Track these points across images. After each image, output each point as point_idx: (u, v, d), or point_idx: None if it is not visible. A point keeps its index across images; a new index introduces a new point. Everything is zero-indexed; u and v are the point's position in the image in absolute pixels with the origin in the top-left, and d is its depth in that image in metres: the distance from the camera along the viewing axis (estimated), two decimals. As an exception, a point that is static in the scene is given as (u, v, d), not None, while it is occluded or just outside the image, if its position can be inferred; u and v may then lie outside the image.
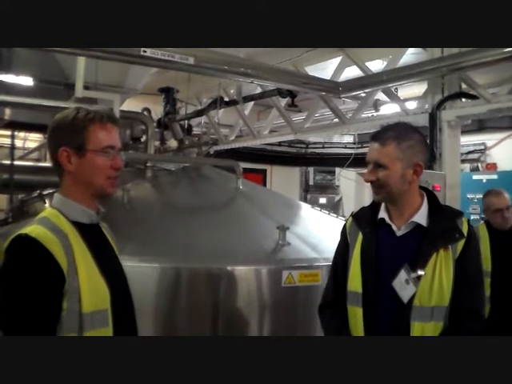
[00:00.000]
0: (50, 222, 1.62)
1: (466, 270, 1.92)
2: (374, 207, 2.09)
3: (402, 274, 1.91)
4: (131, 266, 2.79)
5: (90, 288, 1.58)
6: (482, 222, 4.20)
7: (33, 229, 1.57)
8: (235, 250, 3.09)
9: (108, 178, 1.71)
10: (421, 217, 1.99)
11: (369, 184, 2.02)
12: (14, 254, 1.54)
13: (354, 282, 2.00)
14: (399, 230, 2.00)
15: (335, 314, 2.08)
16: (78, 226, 1.68)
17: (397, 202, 2.00)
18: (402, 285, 1.91)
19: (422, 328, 1.87)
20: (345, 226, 2.18)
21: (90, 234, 1.70)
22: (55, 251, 1.54)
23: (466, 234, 1.95)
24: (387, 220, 2.03)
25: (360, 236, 2.05)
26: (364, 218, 2.10)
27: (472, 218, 8.73)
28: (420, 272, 1.89)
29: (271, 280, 2.96)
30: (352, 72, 6.43)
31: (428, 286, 1.88)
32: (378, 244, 2.00)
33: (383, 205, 2.06)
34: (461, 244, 1.93)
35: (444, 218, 1.99)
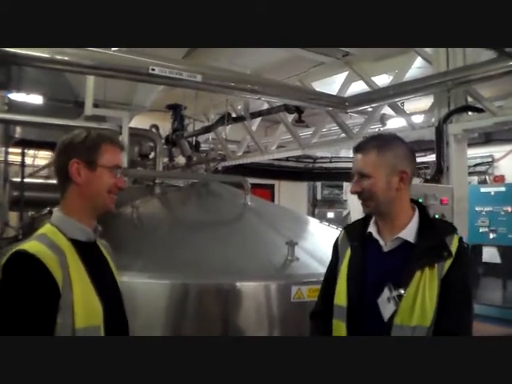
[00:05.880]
0: (48, 239, 1.68)
1: (451, 291, 1.83)
2: (366, 220, 2.05)
3: (386, 292, 1.87)
4: (140, 282, 2.82)
5: (83, 304, 1.63)
6: None
7: (31, 245, 1.63)
8: (244, 265, 3.09)
9: (110, 194, 1.81)
10: (408, 233, 1.92)
11: None
12: (12, 269, 1.59)
13: (340, 296, 1.98)
14: (386, 246, 1.95)
15: (321, 323, 2.06)
16: (75, 243, 1.73)
17: (386, 215, 1.95)
18: (385, 303, 1.87)
19: None
20: (337, 239, 2.15)
21: (87, 251, 1.76)
22: (52, 267, 1.59)
23: (454, 252, 1.86)
24: (375, 234, 1.98)
25: (349, 250, 2.02)
26: (355, 232, 2.06)
27: (480, 231, 8.68)
28: (401, 291, 1.84)
29: (280, 295, 2.96)
30: (358, 87, 6.47)
31: (409, 305, 1.81)
32: (365, 259, 1.95)
33: (373, 218, 2.02)
34: (448, 263, 1.84)
35: (433, 235, 1.90)
